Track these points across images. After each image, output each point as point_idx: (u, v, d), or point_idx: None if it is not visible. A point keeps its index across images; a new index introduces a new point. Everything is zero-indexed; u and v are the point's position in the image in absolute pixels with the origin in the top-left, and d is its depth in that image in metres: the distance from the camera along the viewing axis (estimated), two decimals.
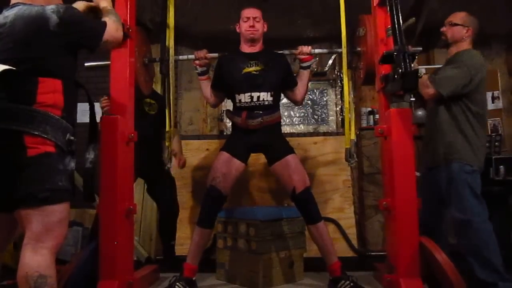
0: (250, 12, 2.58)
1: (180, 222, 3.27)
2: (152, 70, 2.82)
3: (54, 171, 1.56)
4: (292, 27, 3.90)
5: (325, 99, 4.29)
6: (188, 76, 4.20)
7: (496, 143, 3.63)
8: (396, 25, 2.06)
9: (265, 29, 2.65)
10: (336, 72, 4.19)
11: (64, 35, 1.65)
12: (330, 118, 4.25)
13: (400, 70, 1.96)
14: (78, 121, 1.78)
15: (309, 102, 4.30)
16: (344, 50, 2.68)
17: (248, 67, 2.55)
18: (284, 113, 4.30)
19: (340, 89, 4.17)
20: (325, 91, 4.30)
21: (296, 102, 2.78)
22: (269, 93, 2.53)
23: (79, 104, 1.78)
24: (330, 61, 4.17)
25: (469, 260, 2.16)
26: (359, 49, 2.67)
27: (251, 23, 2.54)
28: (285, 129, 4.23)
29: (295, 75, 2.70)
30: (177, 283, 2.30)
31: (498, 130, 3.97)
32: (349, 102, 2.70)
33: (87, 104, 1.86)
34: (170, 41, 2.79)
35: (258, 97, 2.52)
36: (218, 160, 2.53)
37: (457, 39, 2.41)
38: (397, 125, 2.18)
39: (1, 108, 1.51)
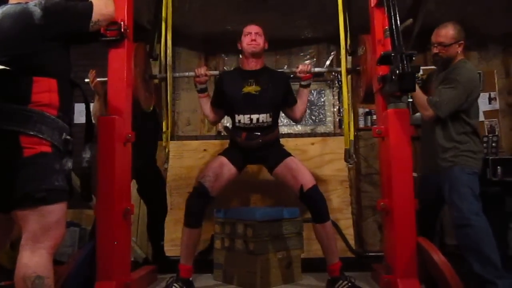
0: (251, 28, 2.62)
1: (178, 222, 3.26)
2: (152, 85, 2.79)
3: (51, 171, 1.55)
4: (291, 27, 3.90)
5: (322, 99, 4.29)
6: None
7: (493, 144, 3.65)
8: (394, 26, 2.06)
9: (266, 46, 2.67)
10: (333, 73, 4.19)
11: (51, 26, 1.64)
12: (328, 118, 4.25)
13: (397, 71, 1.96)
14: (75, 121, 1.78)
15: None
16: (342, 51, 2.69)
17: (248, 85, 2.57)
18: (282, 113, 4.29)
19: (337, 90, 4.18)
20: (323, 92, 4.31)
21: (295, 120, 2.80)
22: (268, 114, 2.57)
23: (76, 105, 1.78)
24: (328, 62, 4.19)
25: (468, 258, 2.18)
26: (358, 68, 2.66)
27: (252, 37, 2.57)
28: (283, 129, 4.23)
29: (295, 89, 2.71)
30: (174, 284, 2.30)
31: (495, 131, 3.99)
32: (348, 103, 2.71)
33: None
34: (168, 40, 2.80)
35: (258, 119, 2.55)
36: (214, 161, 2.57)
37: (453, 56, 2.43)
38: (394, 125, 2.18)
39: None
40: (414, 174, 2.27)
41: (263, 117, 2.55)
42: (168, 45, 2.80)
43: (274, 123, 2.64)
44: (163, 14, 2.77)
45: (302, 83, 2.67)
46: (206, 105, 2.71)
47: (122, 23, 2.14)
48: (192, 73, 2.67)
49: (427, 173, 2.55)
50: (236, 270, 2.58)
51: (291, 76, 2.74)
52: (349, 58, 2.81)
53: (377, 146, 3.51)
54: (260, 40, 2.60)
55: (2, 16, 1.63)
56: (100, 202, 2.09)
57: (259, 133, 2.55)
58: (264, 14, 3.68)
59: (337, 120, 4.16)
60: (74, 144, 1.68)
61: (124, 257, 2.18)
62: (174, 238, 3.21)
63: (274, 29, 3.92)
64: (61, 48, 1.71)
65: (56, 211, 1.55)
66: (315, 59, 4.20)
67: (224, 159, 2.55)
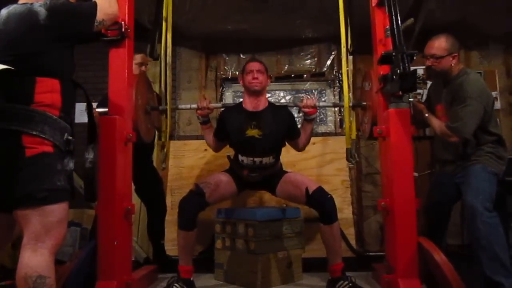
0: (253, 66, 2.60)
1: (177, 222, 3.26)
2: (154, 117, 2.76)
3: (53, 171, 1.55)
4: (291, 27, 3.90)
5: (323, 99, 4.29)
6: (187, 76, 4.20)
7: None
8: (395, 26, 2.06)
9: (268, 82, 2.68)
10: (334, 73, 4.19)
11: (56, 26, 1.64)
12: (329, 118, 4.25)
13: (398, 71, 1.96)
14: (76, 121, 1.77)
15: None
16: (343, 50, 2.69)
17: (251, 128, 2.58)
18: None
19: (338, 90, 4.17)
20: (324, 91, 4.30)
21: (297, 150, 2.79)
22: (271, 156, 2.60)
23: (77, 104, 1.78)
24: (329, 62, 4.19)
25: (477, 254, 2.18)
26: (364, 103, 2.64)
27: (254, 75, 2.56)
28: None
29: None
30: (175, 284, 2.30)
31: None
32: (349, 103, 2.70)
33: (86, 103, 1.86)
34: (168, 40, 2.80)
35: (261, 161, 2.59)
36: (217, 174, 2.63)
37: (447, 68, 2.42)
38: (395, 125, 2.18)
39: None
40: (415, 174, 2.27)
41: (266, 160, 2.59)
42: (168, 44, 2.80)
43: (277, 160, 2.67)
44: (164, 14, 2.78)
45: (307, 117, 2.62)
46: (209, 136, 2.73)
47: (123, 23, 2.14)
48: (194, 105, 2.66)
49: (444, 173, 2.56)
50: (237, 270, 2.59)
51: (298, 111, 2.69)
52: (350, 57, 2.81)
53: (378, 146, 3.50)
54: (262, 78, 2.59)
55: (7, 16, 1.64)
56: (101, 202, 2.09)
57: (261, 170, 2.60)
58: (264, 14, 3.68)
59: (338, 119, 4.15)
60: (75, 144, 1.68)
61: (125, 256, 2.18)
62: (175, 238, 3.22)
63: (274, 29, 3.93)
64: (65, 48, 1.71)
65: (58, 211, 1.55)
66: (316, 59, 4.20)
67: (227, 176, 2.61)
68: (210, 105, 2.62)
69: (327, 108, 4.24)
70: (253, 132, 2.57)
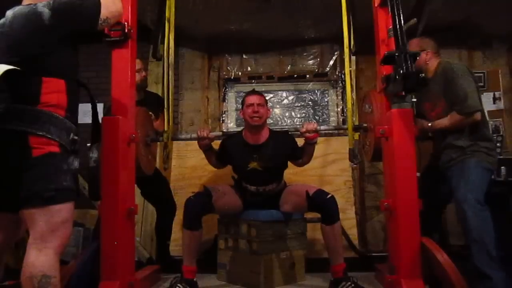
0: (253, 99, 2.60)
1: (181, 222, 3.26)
2: (154, 149, 2.76)
3: (59, 171, 1.56)
4: (294, 27, 3.90)
5: (326, 99, 4.28)
6: (190, 76, 4.20)
7: (498, 144, 3.63)
8: (398, 26, 2.06)
9: (269, 114, 2.69)
10: (337, 73, 4.18)
11: (60, 25, 1.65)
12: (331, 118, 4.24)
13: (401, 71, 1.96)
14: (79, 121, 1.78)
15: (310, 102, 4.30)
16: (346, 51, 2.69)
17: (252, 161, 2.60)
18: (285, 113, 4.30)
19: (341, 90, 4.17)
20: (326, 91, 4.30)
21: (297, 166, 2.81)
22: (274, 183, 2.66)
23: (80, 105, 1.78)
24: (331, 62, 4.18)
25: (469, 247, 2.20)
26: (365, 125, 2.62)
27: (255, 109, 2.57)
28: (286, 128, 4.22)
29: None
30: (178, 284, 2.31)
31: (499, 130, 3.96)
32: (352, 103, 2.70)
33: (89, 104, 1.86)
34: (171, 40, 2.80)
35: (264, 189, 2.64)
36: (227, 186, 2.69)
37: (422, 64, 2.45)
38: (398, 125, 2.18)
39: (6, 109, 1.50)
40: (418, 174, 2.26)
41: (269, 187, 2.65)
42: (171, 45, 2.80)
43: (279, 183, 2.71)
44: (167, 15, 2.78)
45: (309, 142, 2.60)
46: (211, 159, 2.77)
47: (126, 23, 2.14)
48: (194, 135, 2.68)
49: (433, 169, 2.55)
50: (240, 270, 2.59)
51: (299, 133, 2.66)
52: (353, 57, 2.80)
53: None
54: (263, 111, 2.60)
55: (12, 18, 1.64)
56: (104, 202, 2.09)
57: (265, 194, 2.66)
58: (267, 14, 3.68)
59: (341, 120, 4.15)
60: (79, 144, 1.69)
61: (128, 256, 2.18)
62: (178, 238, 3.22)
63: (277, 29, 3.93)
64: (70, 48, 1.72)
65: (64, 210, 1.56)
66: (318, 59, 4.19)
67: (235, 191, 2.67)
68: (210, 135, 2.62)
69: (329, 108, 4.24)
70: (254, 165, 2.60)
